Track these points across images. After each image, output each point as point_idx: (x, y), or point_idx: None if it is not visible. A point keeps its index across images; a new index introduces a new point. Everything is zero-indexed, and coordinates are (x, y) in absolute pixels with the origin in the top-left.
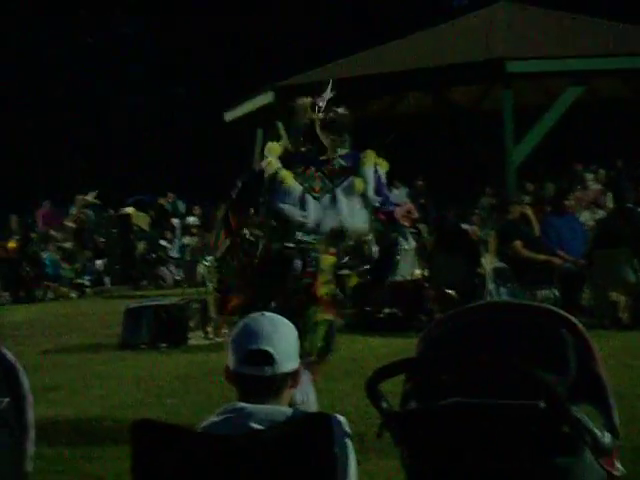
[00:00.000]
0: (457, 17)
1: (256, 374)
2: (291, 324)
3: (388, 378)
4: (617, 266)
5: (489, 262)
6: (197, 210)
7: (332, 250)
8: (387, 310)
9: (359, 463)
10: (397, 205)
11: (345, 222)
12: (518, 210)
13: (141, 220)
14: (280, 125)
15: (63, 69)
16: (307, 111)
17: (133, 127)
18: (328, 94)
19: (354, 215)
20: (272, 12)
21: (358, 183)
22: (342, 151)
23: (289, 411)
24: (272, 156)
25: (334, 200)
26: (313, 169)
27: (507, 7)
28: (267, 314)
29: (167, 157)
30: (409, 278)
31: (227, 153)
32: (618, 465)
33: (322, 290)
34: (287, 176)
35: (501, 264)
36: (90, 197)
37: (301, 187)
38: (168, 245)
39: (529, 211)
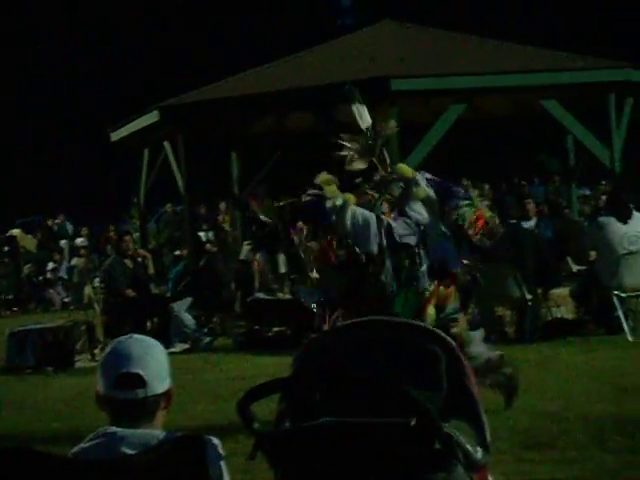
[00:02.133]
0: (342, 36)
1: (128, 397)
2: (160, 344)
3: (261, 398)
4: (502, 281)
5: None
6: (85, 231)
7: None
8: (276, 329)
9: None
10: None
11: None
12: None
13: (28, 242)
14: (167, 145)
15: None
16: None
17: (20, 148)
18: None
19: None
20: (159, 30)
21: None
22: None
23: (161, 434)
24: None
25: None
26: (376, 196)
27: (391, 26)
28: (136, 336)
29: (54, 178)
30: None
31: (114, 173)
32: None
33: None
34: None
35: None
36: None
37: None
38: (56, 267)
39: None
